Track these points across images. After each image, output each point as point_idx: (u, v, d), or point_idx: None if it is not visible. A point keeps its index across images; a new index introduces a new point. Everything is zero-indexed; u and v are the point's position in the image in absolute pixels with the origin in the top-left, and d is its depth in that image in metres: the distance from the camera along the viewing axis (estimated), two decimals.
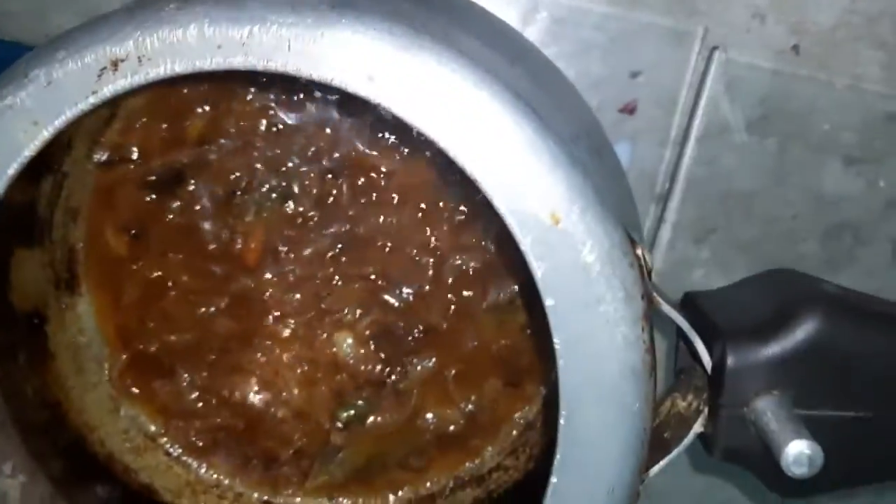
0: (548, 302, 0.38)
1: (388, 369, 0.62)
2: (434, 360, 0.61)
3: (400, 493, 0.64)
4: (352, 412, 0.62)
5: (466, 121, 0.36)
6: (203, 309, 0.60)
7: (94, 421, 0.60)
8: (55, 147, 0.55)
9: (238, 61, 0.35)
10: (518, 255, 0.47)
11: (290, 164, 0.58)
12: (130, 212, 0.58)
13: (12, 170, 0.37)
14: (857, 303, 0.41)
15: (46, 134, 0.36)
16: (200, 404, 0.62)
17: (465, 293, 0.60)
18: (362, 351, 0.61)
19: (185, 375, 0.61)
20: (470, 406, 0.62)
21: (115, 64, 0.35)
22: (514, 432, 0.63)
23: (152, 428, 0.62)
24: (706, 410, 0.41)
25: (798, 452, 0.36)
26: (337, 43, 0.34)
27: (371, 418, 0.62)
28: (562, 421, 0.39)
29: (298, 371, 0.61)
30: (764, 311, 0.40)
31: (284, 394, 0.62)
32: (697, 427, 0.41)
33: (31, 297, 0.57)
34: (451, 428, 0.62)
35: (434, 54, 0.36)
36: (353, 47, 0.35)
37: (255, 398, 0.62)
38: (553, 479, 0.40)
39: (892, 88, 0.61)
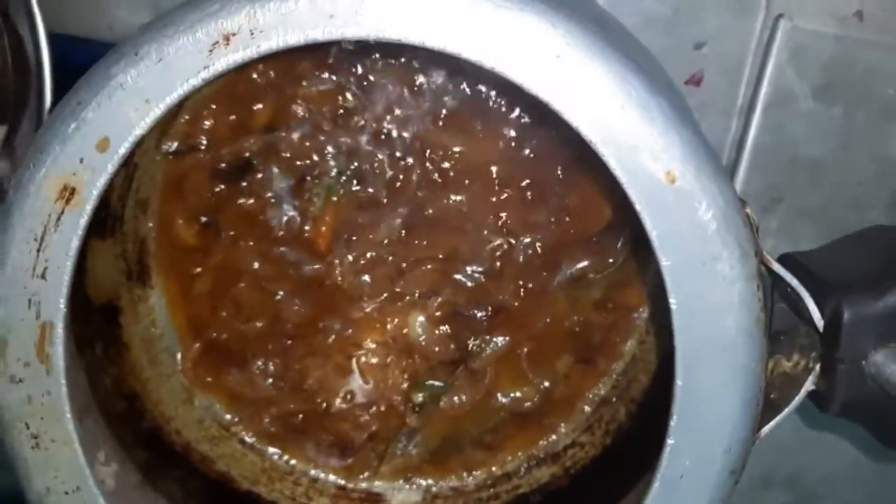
0: (664, 262, 0.37)
1: (461, 349, 0.61)
2: (507, 338, 0.61)
3: (475, 472, 0.63)
4: (426, 393, 0.62)
5: (579, 83, 0.36)
6: (275, 295, 0.60)
7: (169, 411, 0.60)
8: None
9: (351, 31, 0.35)
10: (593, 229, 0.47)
11: (359, 147, 0.58)
12: (200, 201, 0.58)
13: (124, 149, 0.36)
14: None
15: (158, 111, 0.36)
16: (273, 391, 0.62)
17: (536, 271, 0.60)
18: (435, 332, 0.61)
19: (258, 363, 0.61)
20: (544, 383, 0.62)
21: (226, 38, 0.35)
22: (589, 409, 0.63)
23: (226, 417, 0.62)
24: (818, 367, 0.41)
25: None
26: (461, 10, 0.34)
27: (445, 399, 0.62)
28: (679, 381, 0.39)
29: (371, 355, 0.61)
30: (872, 266, 0.40)
31: (358, 378, 0.62)
32: (809, 385, 0.41)
33: (106, 289, 0.57)
34: (526, 405, 0.62)
35: (540, 14, 0.36)
36: (472, 12, 0.35)
37: (328, 383, 0.62)
38: (670, 441, 0.40)
39: None
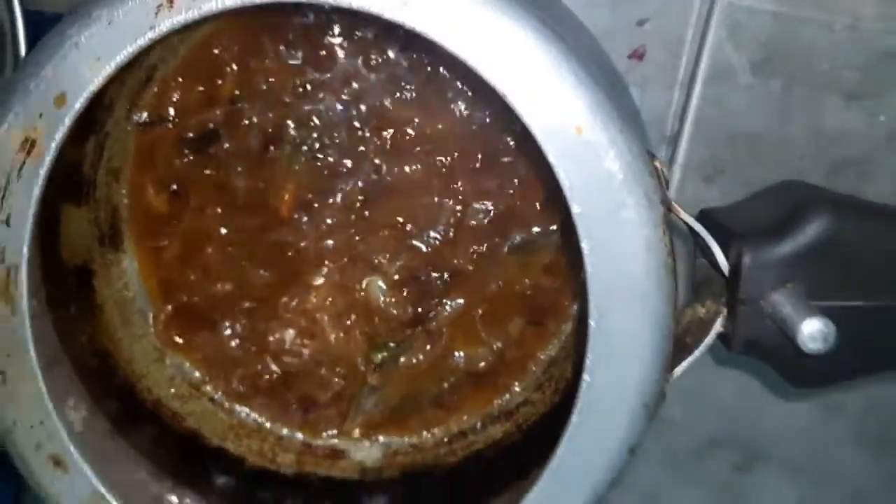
0: (575, 209, 0.41)
1: (418, 311, 0.65)
2: (462, 301, 0.65)
3: (434, 430, 0.67)
4: (385, 353, 0.65)
5: (496, 44, 0.40)
6: (240, 260, 0.64)
7: (141, 370, 0.64)
8: (98, 108, 0.59)
9: None
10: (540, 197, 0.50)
11: (319, 119, 0.61)
12: (169, 170, 0.61)
13: (79, 104, 0.40)
14: (861, 204, 0.44)
15: (109, 69, 0.39)
16: (240, 353, 0.65)
17: (488, 237, 0.63)
18: (393, 296, 0.65)
19: (226, 325, 0.65)
20: (497, 344, 0.65)
21: (170, 1, 0.38)
22: (539, 369, 0.66)
23: (196, 376, 0.66)
24: (725, 311, 0.44)
25: (813, 329, 0.39)
26: None
27: (404, 358, 0.65)
28: (592, 323, 0.42)
29: (334, 317, 0.65)
30: (776, 215, 0.43)
31: (321, 339, 0.65)
32: (717, 327, 0.44)
33: (79, 252, 0.61)
34: (481, 365, 0.66)
35: None
36: None
37: (294, 345, 0.65)
38: (586, 378, 0.43)
39: (888, 25, 0.63)
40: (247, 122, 0.61)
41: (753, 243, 0.42)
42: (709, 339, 0.44)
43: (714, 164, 0.65)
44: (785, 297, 0.41)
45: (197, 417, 0.65)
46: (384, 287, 0.64)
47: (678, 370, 0.45)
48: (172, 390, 0.65)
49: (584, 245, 0.41)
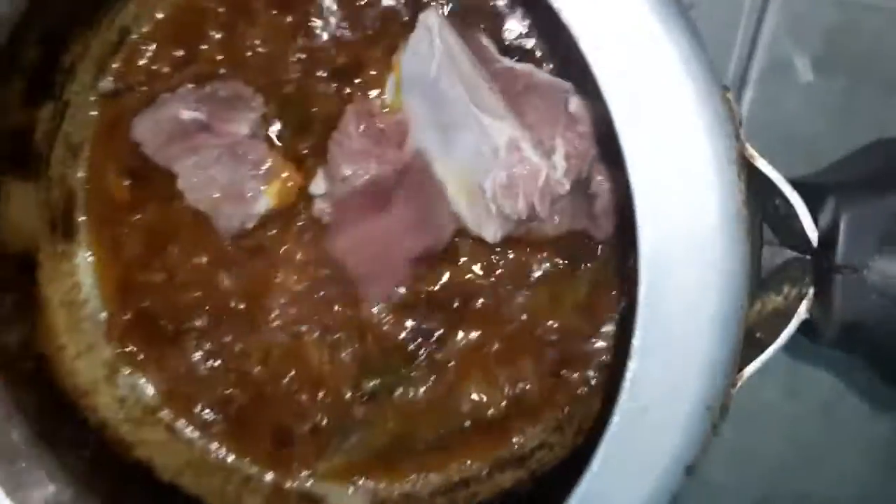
0: (625, 142, 0.31)
1: (423, 335, 0.54)
2: (477, 333, 0.54)
3: (431, 476, 0.56)
4: (378, 382, 0.55)
5: None
6: (211, 262, 0.54)
7: (86, 385, 0.54)
8: (54, 68, 0.51)
9: None
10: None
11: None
12: (134, 150, 0.53)
13: None
14: None
15: None
16: (207, 371, 0.55)
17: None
18: (394, 313, 0.54)
19: (192, 338, 0.55)
20: (513, 390, 0.55)
21: None
22: (559, 414, 0.56)
23: (153, 398, 0.55)
24: (811, 291, 0.34)
25: None
26: None
27: (400, 390, 0.55)
28: (643, 288, 0.32)
29: (318, 333, 0.54)
30: (876, 168, 0.34)
31: (302, 359, 0.55)
32: (801, 313, 0.34)
33: (24, 236, 0.52)
34: (489, 412, 0.55)
35: None
36: None
37: (269, 365, 0.55)
38: (632, 365, 0.33)
39: None
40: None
41: (853, 197, 0.33)
42: (790, 328, 0.34)
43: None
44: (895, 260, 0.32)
45: (149, 447, 0.55)
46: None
47: (749, 369, 0.34)
48: (123, 413, 0.55)
49: (635, 184, 0.31)
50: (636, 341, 0.32)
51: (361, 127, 0.48)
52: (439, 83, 0.47)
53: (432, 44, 0.46)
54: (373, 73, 0.50)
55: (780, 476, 0.62)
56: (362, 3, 0.51)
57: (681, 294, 0.32)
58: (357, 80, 0.50)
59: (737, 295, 0.32)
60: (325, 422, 0.55)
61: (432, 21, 0.47)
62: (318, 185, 0.50)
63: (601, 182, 0.48)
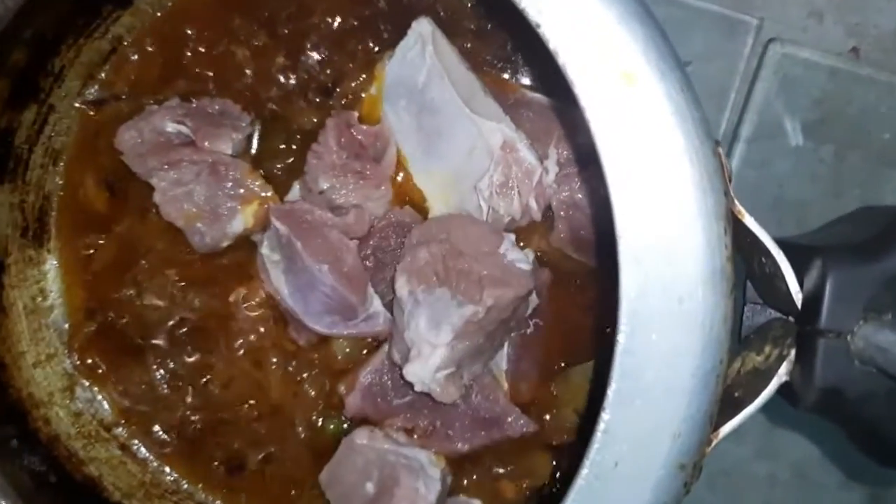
0: (614, 190, 0.31)
1: None
2: None
3: None
4: (338, 426, 0.53)
5: None
6: (181, 280, 0.53)
7: (42, 395, 0.52)
8: (42, 72, 0.50)
9: None
10: None
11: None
12: (113, 162, 0.52)
13: None
14: None
15: None
16: (169, 391, 0.53)
17: None
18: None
19: (155, 355, 0.53)
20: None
21: None
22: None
23: (110, 414, 0.54)
24: (793, 352, 0.33)
25: None
26: None
27: None
28: (620, 338, 0.31)
29: (284, 364, 0.53)
30: (865, 233, 0.34)
31: (264, 388, 0.53)
32: (781, 375, 0.33)
33: None
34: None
35: None
36: None
37: (231, 389, 0.53)
38: (604, 416, 0.32)
39: None
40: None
41: (840, 261, 0.32)
42: (768, 390, 0.33)
43: None
44: (880, 328, 0.31)
45: (101, 465, 0.53)
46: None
47: (725, 429, 0.34)
48: (78, 429, 0.53)
49: (620, 231, 0.31)
50: (611, 392, 0.31)
51: (342, 139, 0.48)
52: (428, 90, 0.47)
53: (424, 50, 0.46)
54: (354, 84, 0.50)
55: None
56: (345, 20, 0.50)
57: (660, 347, 0.31)
58: (338, 93, 0.50)
59: (717, 352, 0.31)
60: (278, 453, 0.53)
61: (425, 28, 0.47)
62: (294, 197, 0.50)
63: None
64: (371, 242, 0.51)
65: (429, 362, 0.45)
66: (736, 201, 0.33)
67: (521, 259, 0.46)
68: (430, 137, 0.49)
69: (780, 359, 0.34)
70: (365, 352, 0.52)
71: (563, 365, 0.51)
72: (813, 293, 0.33)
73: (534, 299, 0.49)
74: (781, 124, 0.57)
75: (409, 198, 0.51)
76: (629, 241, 0.31)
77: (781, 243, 0.34)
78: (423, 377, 0.45)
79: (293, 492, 0.53)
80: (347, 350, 0.53)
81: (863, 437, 0.34)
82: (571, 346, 0.51)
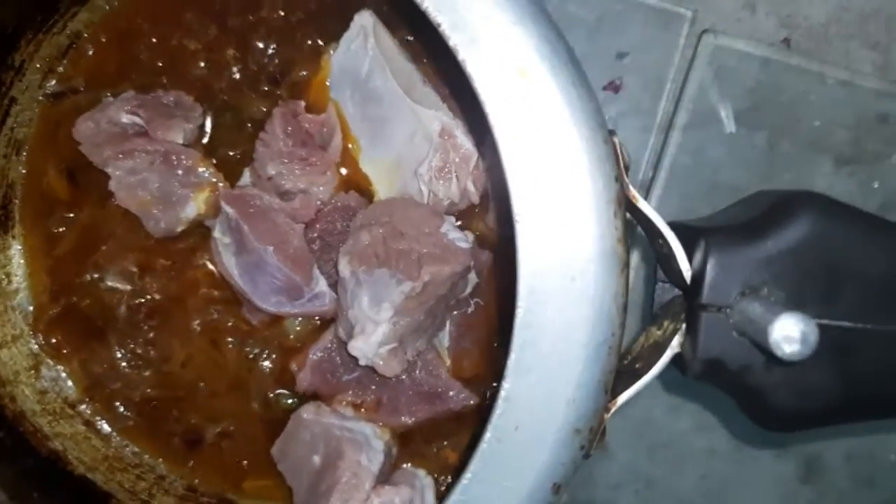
0: (511, 176, 0.33)
1: None
2: None
3: None
4: (293, 402, 0.56)
5: None
6: (139, 263, 0.55)
7: (7, 374, 0.55)
8: (2, 65, 0.52)
9: None
10: None
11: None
12: (73, 152, 0.54)
13: None
14: (851, 208, 0.37)
15: None
16: (129, 369, 0.56)
17: None
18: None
19: (116, 335, 0.56)
20: None
21: None
22: None
23: (73, 392, 0.56)
24: (683, 326, 0.36)
25: (789, 326, 0.30)
26: None
27: None
28: (519, 312, 0.34)
29: (240, 343, 0.56)
30: (751, 213, 0.36)
31: (221, 365, 0.56)
32: (674, 346, 0.36)
33: None
34: None
35: None
36: None
37: (190, 368, 0.56)
38: (505, 385, 0.35)
39: (884, 87, 0.58)
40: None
41: (721, 241, 0.35)
42: (663, 360, 0.36)
43: (689, 216, 0.59)
44: (756, 301, 0.33)
45: (65, 440, 0.55)
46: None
47: (622, 397, 0.36)
48: (43, 406, 0.56)
49: (518, 215, 0.33)
50: (510, 362, 0.34)
51: (288, 128, 0.50)
52: (371, 80, 0.50)
53: (366, 42, 0.49)
54: (302, 74, 0.52)
55: None
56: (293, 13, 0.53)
57: (555, 321, 0.34)
58: (285, 83, 0.52)
59: (608, 326, 0.34)
60: (236, 430, 0.56)
61: (367, 20, 0.49)
62: (244, 184, 0.52)
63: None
64: (318, 226, 0.53)
65: (371, 338, 0.48)
66: (630, 187, 0.35)
67: (460, 238, 0.49)
68: (374, 125, 0.52)
69: (674, 331, 0.36)
70: (315, 330, 0.55)
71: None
72: (698, 270, 0.35)
73: (473, 279, 0.52)
74: (716, 112, 0.59)
75: (355, 183, 0.54)
76: (526, 224, 0.33)
77: (675, 226, 0.37)
78: (367, 352, 0.48)
79: (246, 464, 0.55)
80: (298, 328, 0.55)
81: (746, 404, 0.36)
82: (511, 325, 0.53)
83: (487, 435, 0.35)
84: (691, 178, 0.59)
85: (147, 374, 0.56)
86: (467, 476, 0.35)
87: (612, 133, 0.36)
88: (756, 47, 0.58)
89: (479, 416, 0.53)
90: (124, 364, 0.56)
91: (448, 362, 0.53)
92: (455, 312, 0.53)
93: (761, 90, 0.59)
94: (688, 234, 0.36)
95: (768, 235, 0.34)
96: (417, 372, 0.53)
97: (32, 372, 0.56)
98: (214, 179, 0.51)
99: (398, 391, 0.53)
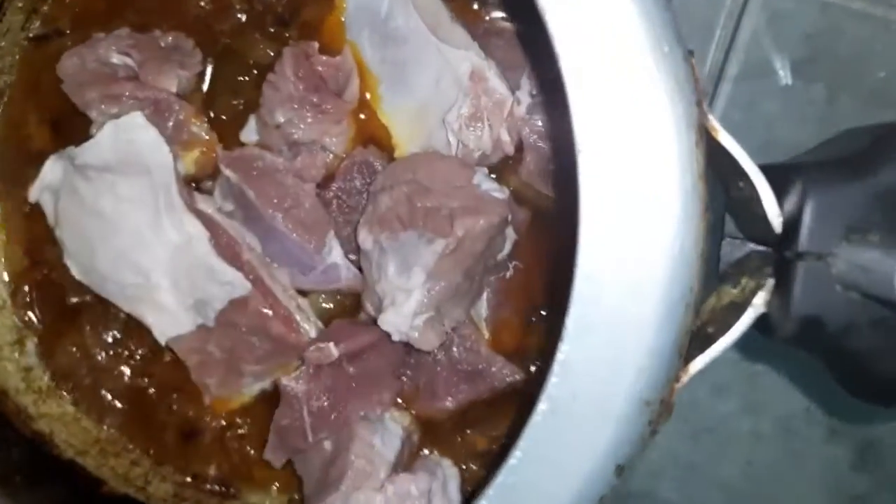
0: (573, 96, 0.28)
1: None
2: None
3: None
4: None
5: None
6: None
7: None
8: None
9: None
10: None
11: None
12: (57, 100, 0.48)
13: None
14: None
15: None
16: (113, 354, 0.50)
17: None
18: None
19: (89, 316, 0.50)
20: None
21: None
22: None
23: (58, 372, 0.51)
24: (771, 282, 0.31)
25: None
26: None
27: None
28: (579, 262, 0.29)
29: None
30: (849, 151, 0.31)
31: None
32: (757, 305, 0.30)
33: None
34: None
35: None
36: None
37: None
38: (563, 347, 0.29)
39: None
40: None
41: (822, 181, 0.29)
42: (743, 320, 0.31)
43: None
44: (870, 246, 0.28)
45: (52, 421, 0.50)
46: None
47: (695, 365, 0.31)
48: (28, 384, 0.51)
49: (580, 141, 0.28)
50: (569, 320, 0.29)
51: (300, 71, 0.45)
52: (392, 18, 0.45)
53: None
54: (314, 13, 0.47)
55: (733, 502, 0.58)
56: None
57: (623, 272, 0.29)
58: (296, 23, 0.47)
59: (686, 278, 0.29)
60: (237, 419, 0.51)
61: None
62: (249, 133, 0.47)
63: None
64: (334, 185, 0.48)
65: (403, 308, 0.42)
66: (710, 115, 0.30)
67: (495, 189, 0.44)
68: (395, 69, 0.47)
69: (757, 288, 0.31)
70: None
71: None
72: (793, 216, 0.30)
73: (511, 234, 0.46)
74: (770, 63, 0.54)
75: (373, 135, 0.48)
76: (589, 155, 0.28)
77: (761, 166, 0.31)
78: (399, 325, 0.42)
79: (254, 452, 0.50)
80: (326, 306, 0.50)
81: (843, 371, 0.31)
82: (555, 290, 0.47)
83: (541, 406, 0.29)
84: (743, 134, 0.53)
85: (132, 358, 0.51)
86: (517, 454, 0.29)
87: (690, 53, 0.30)
88: None
89: (518, 398, 0.48)
90: (107, 346, 0.50)
91: (487, 335, 0.48)
92: (493, 278, 0.47)
93: (820, 38, 0.53)
94: (775, 175, 0.31)
95: (877, 170, 0.29)
96: (455, 349, 0.48)
97: (17, 346, 0.51)
98: (207, 137, 0.46)
99: (436, 373, 0.48)
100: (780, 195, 0.31)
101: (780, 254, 0.30)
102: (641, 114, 0.28)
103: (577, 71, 0.28)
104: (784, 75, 0.54)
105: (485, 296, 0.48)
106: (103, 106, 0.46)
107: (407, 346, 0.45)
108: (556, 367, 0.29)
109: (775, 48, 0.53)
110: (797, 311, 0.29)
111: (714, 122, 0.30)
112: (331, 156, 0.48)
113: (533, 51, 0.43)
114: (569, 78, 0.28)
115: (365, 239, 0.44)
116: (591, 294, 0.29)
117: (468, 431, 0.49)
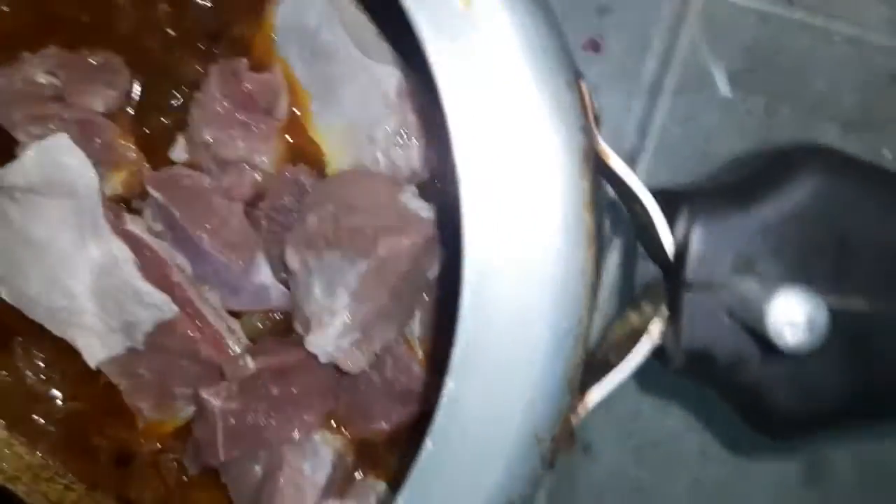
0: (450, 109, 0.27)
1: None
2: None
3: None
4: None
5: None
6: None
7: None
8: None
9: None
10: None
11: None
12: None
13: None
14: (864, 163, 0.31)
15: None
16: (45, 378, 0.50)
17: None
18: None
19: (31, 336, 0.49)
20: None
21: None
22: None
23: None
24: (665, 313, 0.30)
25: (791, 307, 0.24)
26: None
27: None
28: (465, 295, 0.28)
29: None
30: (745, 177, 0.30)
31: None
32: (652, 335, 0.30)
33: None
34: None
35: None
36: None
37: None
38: (449, 384, 0.29)
39: None
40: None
41: (709, 206, 0.29)
42: (637, 353, 0.30)
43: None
44: (751, 279, 0.28)
45: None
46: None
47: (592, 396, 0.30)
48: None
49: (459, 163, 0.27)
50: (455, 356, 0.28)
51: (227, 89, 0.44)
52: (320, 33, 0.44)
53: None
54: (243, 28, 0.46)
55: None
56: None
57: (509, 305, 0.28)
58: (226, 39, 0.47)
59: (573, 310, 0.28)
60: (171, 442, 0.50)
61: None
62: (179, 152, 0.46)
63: None
64: (263, 205, 0.47)
65: (328, 330, 0.42)
66: (601, 140, 0.30)
67: (422, 207, 0.43)
68: (326, 85, 0.46)
69: (654, 317, 0.30)
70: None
71: None
72: (682, 243, 0.29)
73: (440, 253, 0.46)
74: (708, 74, 0.53)
75: (305, 153, 0.48)
76: (470, 186, 0.27)
77: (655, 191, 0.31)
78: (325, 346, 0.42)
79: (185, 479, 0.50)
80: (261, 326, 0.49)
81: (740, 406, 0.31)
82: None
83: (427, 444, 0.29)
84: (681, 147, 0.54)
85: (61, 380, 0.50)
86: (403, 495, 0.29)
87: (578, 76, 0.30)
88: (754, 0, 0.52)
89: None
90: (35, 368, 0.50)
91: (420, 354, 0.47)
92: (425, 296, 0.47)
93: (759, 49, 0.53)
94: (670, 200, 0.30)
95: (766, 198, 0.29)
96: (388, 370, 0.47)
97: None
98: (135, 157, 0.45)
99: (369, 395, 0.47)
100: (672, 222, 0.30)
101: (673, 282, 0.30)
102: (521, 143, 0.28)
103: (456, 99, 0.27)
104: (723, 87, 0.53)
105: (418, 315, 0.47)
106: (29, 127, 0.46)
107: (338, 368, 0.45)
108: (442, 404, 0.28)
109: (714, 60, 0.53)
110: (685, 343, 0.29)
111: (605, 147, 0.30)
112: (260, 174, 0.47)
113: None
114: (449, 109, 0.27)
115: (292, 259, 0.44)
116: (476, 327, 0.28)
117: (404, 453, 0.48)
